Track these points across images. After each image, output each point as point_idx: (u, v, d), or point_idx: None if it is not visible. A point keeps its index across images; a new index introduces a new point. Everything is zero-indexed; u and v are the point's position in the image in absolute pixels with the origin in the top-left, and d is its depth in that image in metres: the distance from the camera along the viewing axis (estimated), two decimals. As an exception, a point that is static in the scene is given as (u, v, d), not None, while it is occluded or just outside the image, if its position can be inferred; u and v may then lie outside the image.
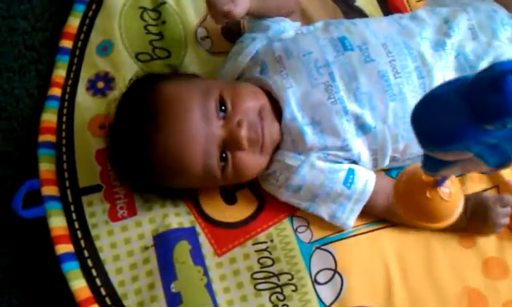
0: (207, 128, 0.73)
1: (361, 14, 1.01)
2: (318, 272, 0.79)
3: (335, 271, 0.79)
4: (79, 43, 0.97)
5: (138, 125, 0.75)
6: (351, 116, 0.78)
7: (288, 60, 0.81)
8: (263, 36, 0.86)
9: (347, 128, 0.78)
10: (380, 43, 0.81)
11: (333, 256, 0.80)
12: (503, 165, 0.44)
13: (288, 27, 0.87)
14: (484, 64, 0.80)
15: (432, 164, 0.48)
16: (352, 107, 0.78)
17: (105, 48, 0.96)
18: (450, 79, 0.43)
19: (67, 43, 0.97)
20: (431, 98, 0.44)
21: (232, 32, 0.98)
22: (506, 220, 0.81)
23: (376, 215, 0.82)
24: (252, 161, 0.77)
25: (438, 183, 0.55)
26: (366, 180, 0.79)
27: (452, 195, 0.56)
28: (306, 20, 0.98)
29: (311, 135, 0.78)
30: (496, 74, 0.36)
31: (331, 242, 0.81)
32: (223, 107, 0.75)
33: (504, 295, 0.78)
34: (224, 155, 0.75)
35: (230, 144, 0.75)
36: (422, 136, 0.44)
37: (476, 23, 0.85)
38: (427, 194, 0.55)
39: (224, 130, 0.74)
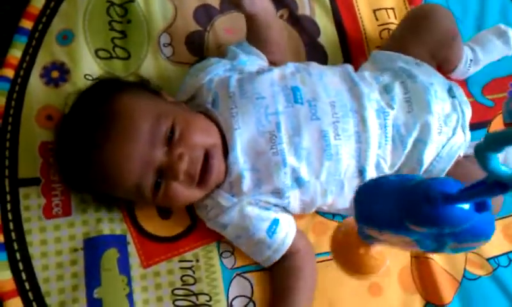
0: (149, 152, 0.76)
1: (321, 51, 1.04)
2: (235, 298, 0.84)
3: (250, 299, 0.84)
4: (40, 26, 0.96)
5: (87, 129, 0.77)
6: (289, 168, 0.81)
7: (241, 99, 0.83)
8: (228, 61, 0.89)
9: (283, 180, 0.81)
10: (329, 102, 0.83)
11: (251, 285, 0.85)
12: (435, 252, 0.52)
13: (253, 62, 0.90)
14: (411, 141, 0.84)
15: (364, 234, 0.57)
16: (291, 160, 0.81)
17: (66, 38, 0.96)
18: (397, 174, 0.50)
19: (27, 24, 0.95)
20: (374, 184, 0.53)
21: (194, 44, 1.00)
22: None
23: None
24: (185, 193, 0.79)
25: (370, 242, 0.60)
26: (287, 232, 0.83)
27: (381, 254, 0.61)
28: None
29: (248, 181, 0.81)
30: (433, 194, 0.44)
31: (250, 271, 0.86)
32: (172, 135, 0.77)
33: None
34: (159, 180, 0.77)
35: (166, 172, 0.77)
36: (360, 214, 0.53)
37: (412, 96, 0.87)
38: (361, 250, 0.60)
39: (166, 158, 0.77)
